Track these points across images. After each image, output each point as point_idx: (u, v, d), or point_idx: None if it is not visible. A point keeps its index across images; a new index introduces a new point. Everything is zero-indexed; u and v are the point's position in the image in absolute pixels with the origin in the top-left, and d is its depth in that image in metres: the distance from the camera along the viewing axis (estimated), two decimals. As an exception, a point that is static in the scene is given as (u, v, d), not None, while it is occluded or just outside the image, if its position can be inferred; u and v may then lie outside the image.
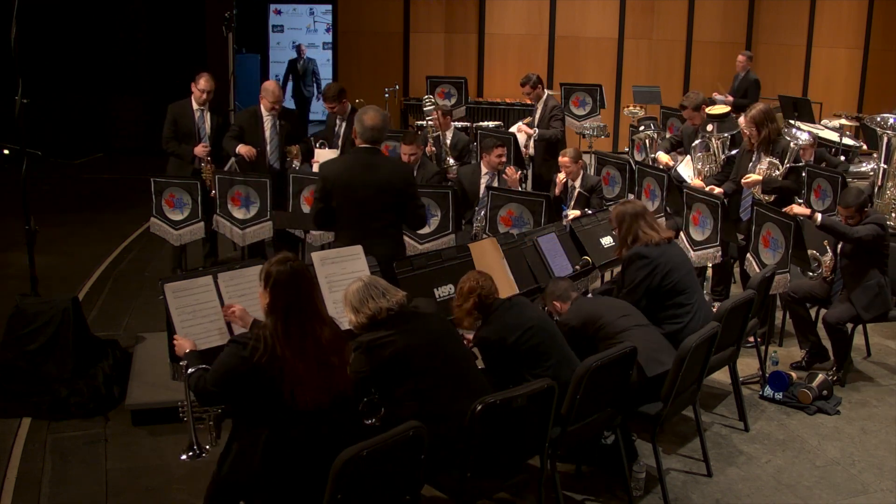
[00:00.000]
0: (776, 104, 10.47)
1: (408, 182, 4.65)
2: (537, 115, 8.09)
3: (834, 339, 5.22)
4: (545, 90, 8.14)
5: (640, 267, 4.40)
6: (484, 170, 6.69)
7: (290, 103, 13.57)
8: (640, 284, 4.39)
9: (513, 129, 8.66)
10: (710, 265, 5.98)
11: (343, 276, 4.08)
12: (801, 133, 5.93)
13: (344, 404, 3.11)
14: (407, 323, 3.40)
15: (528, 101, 8.25)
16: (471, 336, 3.95)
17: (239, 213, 6.28)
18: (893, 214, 6.21)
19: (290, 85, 13.56)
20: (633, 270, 4.43)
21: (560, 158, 6.58)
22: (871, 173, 6.69)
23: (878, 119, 6.36)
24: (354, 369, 3.29)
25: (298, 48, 13.20)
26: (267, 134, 6.59)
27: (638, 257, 4.42)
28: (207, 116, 6.69)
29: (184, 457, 3.41)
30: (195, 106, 6.65)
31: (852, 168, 8.38)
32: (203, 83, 6.61)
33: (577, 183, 6.51)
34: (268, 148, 6.61)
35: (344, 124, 7.18)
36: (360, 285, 3.43)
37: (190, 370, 3.20)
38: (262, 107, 6.60)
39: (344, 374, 3.11)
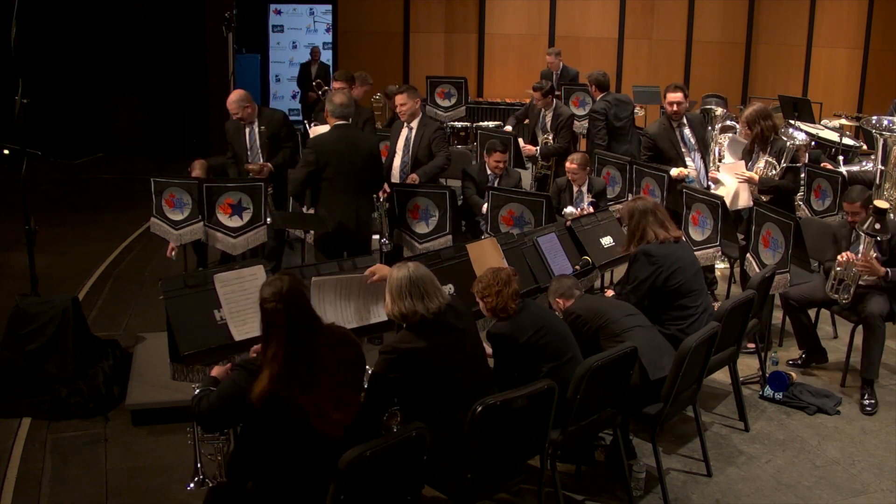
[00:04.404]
0: (776, 104, 10.46)
1: (378, 149, 5.77)
2: (548, 122, 8.11)
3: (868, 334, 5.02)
4: (554, 98, 8.22)
5: (645, 265, 4.39)
6: (487, 170, 6.71)
7: (297, 109, 13.55)
8: (644, 282, 4.37)
9: (507, 127, 8.73)
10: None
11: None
12: (799, 133, 5.90)
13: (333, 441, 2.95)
14: (441, 336, 3.32)
15: (536, 105, 8.25)
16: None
17: (230, 222, 6.14)
18: (893, 215, 6.18)
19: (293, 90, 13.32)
20: (637, 268, 4.42)
21: (567, 164, 6.53)
22: (871, 170, 6.66)
23: (874, 121, 6.34)
24: (377, 371, 3.26)
25: (313, 51, 12.62)
26: (248, 142, 6.46)
27: (644, 255, 4.40)
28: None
29: (191, 486, 3.38)
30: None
31: (850, 168, 8.36)
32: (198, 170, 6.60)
33: (584, 188, 6.50)
34: (248, 155, 6.47)
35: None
36: (405, 276, 3.34)
37: (197, 390, 3.12)
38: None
39: (335, 415, 2.93)
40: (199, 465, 3.35)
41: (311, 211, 5.72)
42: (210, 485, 3.26)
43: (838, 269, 5.01)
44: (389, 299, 3.36)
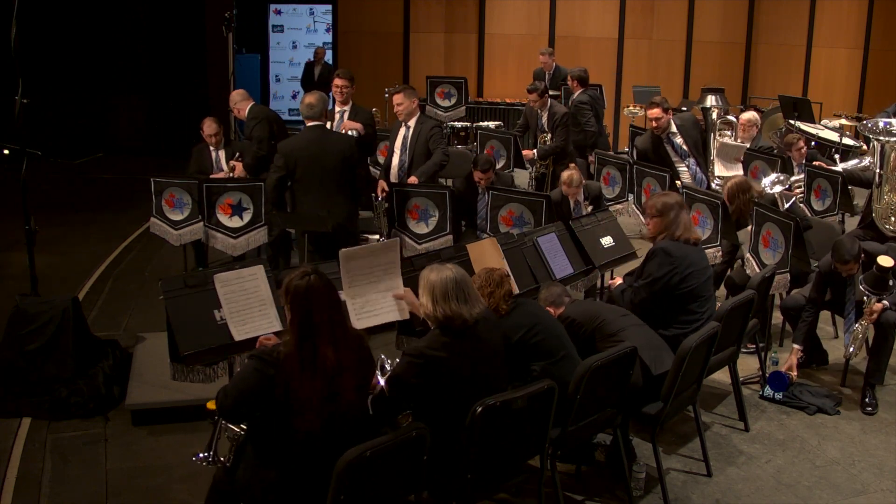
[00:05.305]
0: (776, 104, 10.47)
1: (356, 150, 5.66)
2: (544, 122, 8.11)
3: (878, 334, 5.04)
4: (549, 98, 8.23)
5: (661, 263, 4.32)
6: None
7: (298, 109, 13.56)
8: (658, 281, 4.31)
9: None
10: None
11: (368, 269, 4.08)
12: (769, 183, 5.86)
13: (343, 427, 2.97)
14: (472, 343, 3.26)
15: (533, 107, 8.25)
16: None
17: (231, 222, 6.18)
18: (893, 219, 6.17)
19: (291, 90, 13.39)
20: (653, 265, 4.36)
21: (564, 188, 6.48)
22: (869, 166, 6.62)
23: (870, 125, 6.31)
24: (399, 373, 3.22)
25: (317, 52, 12.74)
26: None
27: (663, 253, 4.34)
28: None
29: (201, 454, 3.40)
30: None
31: (847, 165, 8.36)
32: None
33: (580, 198, 6.49)
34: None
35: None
36: (450, 278, 3.25)
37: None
38: None
39: (349, 397, 2.97)
40: (214, 443, 3.38)
41: None
42: (216, 464, 3.27)
43: (860, 336, 4.99)
44: (430, 301, 3.25)
